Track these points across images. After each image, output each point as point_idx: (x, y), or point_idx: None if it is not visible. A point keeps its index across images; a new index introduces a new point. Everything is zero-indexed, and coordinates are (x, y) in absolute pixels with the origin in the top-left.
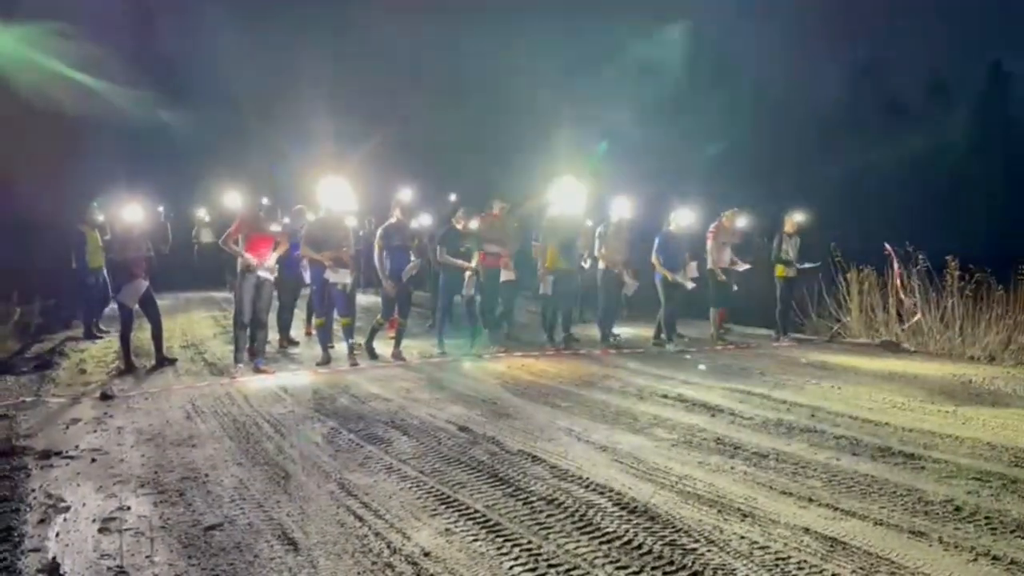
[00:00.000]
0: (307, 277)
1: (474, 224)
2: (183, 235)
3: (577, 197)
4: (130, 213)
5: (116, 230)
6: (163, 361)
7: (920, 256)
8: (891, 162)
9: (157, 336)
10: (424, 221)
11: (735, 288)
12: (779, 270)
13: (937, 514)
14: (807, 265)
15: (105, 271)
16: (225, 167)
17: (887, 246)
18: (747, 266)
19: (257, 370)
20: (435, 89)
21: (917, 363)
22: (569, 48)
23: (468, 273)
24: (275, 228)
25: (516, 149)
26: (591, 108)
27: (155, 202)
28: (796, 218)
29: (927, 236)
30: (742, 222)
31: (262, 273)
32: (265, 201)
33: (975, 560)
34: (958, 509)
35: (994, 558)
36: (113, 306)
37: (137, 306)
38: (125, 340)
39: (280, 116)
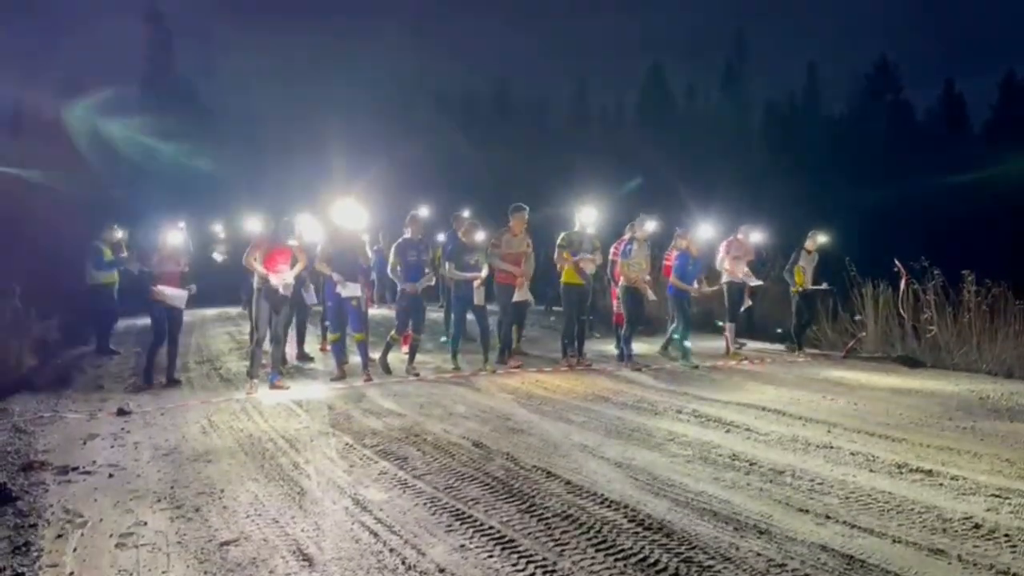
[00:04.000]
0: (308, 299)
1: (480, 236)
2: (200, 250)
3: (590, 214)
4: (172, 234)
5: (153, 247)
6: (172, 379)
7: (935, 271)
8: (906, 181)
9: (172, 352)
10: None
11: (750, 303)
12: (796, 278)
13: (956, 531)
14: (822, 287)
15: (116, 289)
16: (243, 185)
17: (897, 262)
18: (760, 283)
19: (272, 386)
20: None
21: (934, 378)
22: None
23: (476, 283)
24: (292, 242)
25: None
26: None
27: (177, 219)
28: (819, 238)
29: (943, 252)
30: (756, 237)
31: (281, 288)
32: (285, 217)
33: None
34: (977, 526)
35: None
36: (126, 322)
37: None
38: (152, 356)
39: (296, 137)
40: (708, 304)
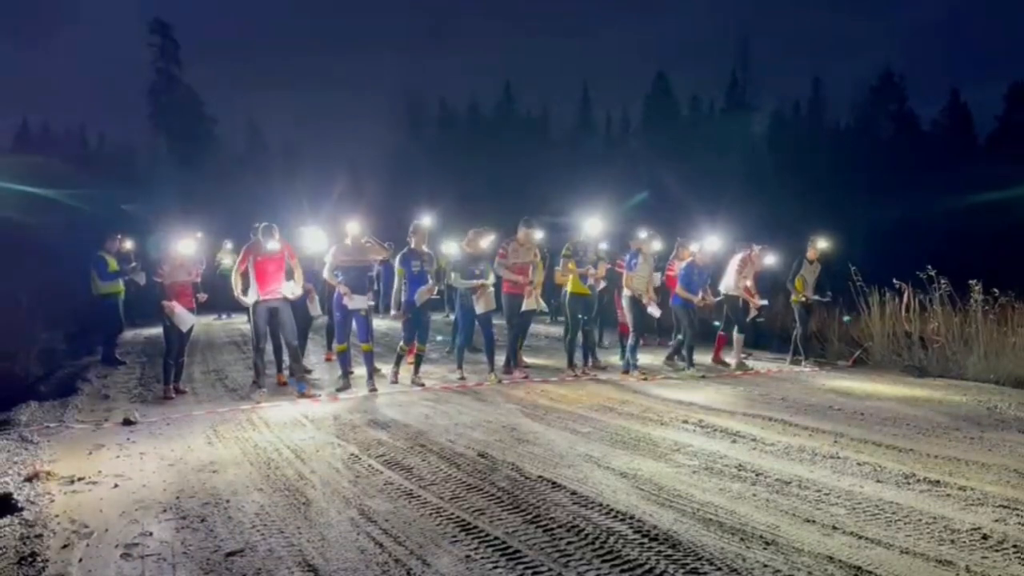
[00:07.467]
0: (313, 310)
1: (484, 242)
2: (209, 260)
3: (596, 224)
4: (184, 244)
5: (168, 256)
6: (178, 389)
7: (942, 280)
8: (912, 190)
9: (178, 363)
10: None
11: (755, 313)
12: (797, 287)
13: (964, 542)
14: (823, 297)
15: (122, 299)
16: (247, 196)
17: (896, 281)
18: (764, 302)
19: (301, 395)
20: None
21: (941, 388)
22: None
23: (479, 292)
24: (275, 246)
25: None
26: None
27: (193, 229)
28: (819, 244)
29: (950, 261)
30: (770, 259)
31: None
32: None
33: None
34: (985, 537)
35: None
36: (132, 332)
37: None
38: (167, 366)
39: (301, 148)
40: (713, 314)
